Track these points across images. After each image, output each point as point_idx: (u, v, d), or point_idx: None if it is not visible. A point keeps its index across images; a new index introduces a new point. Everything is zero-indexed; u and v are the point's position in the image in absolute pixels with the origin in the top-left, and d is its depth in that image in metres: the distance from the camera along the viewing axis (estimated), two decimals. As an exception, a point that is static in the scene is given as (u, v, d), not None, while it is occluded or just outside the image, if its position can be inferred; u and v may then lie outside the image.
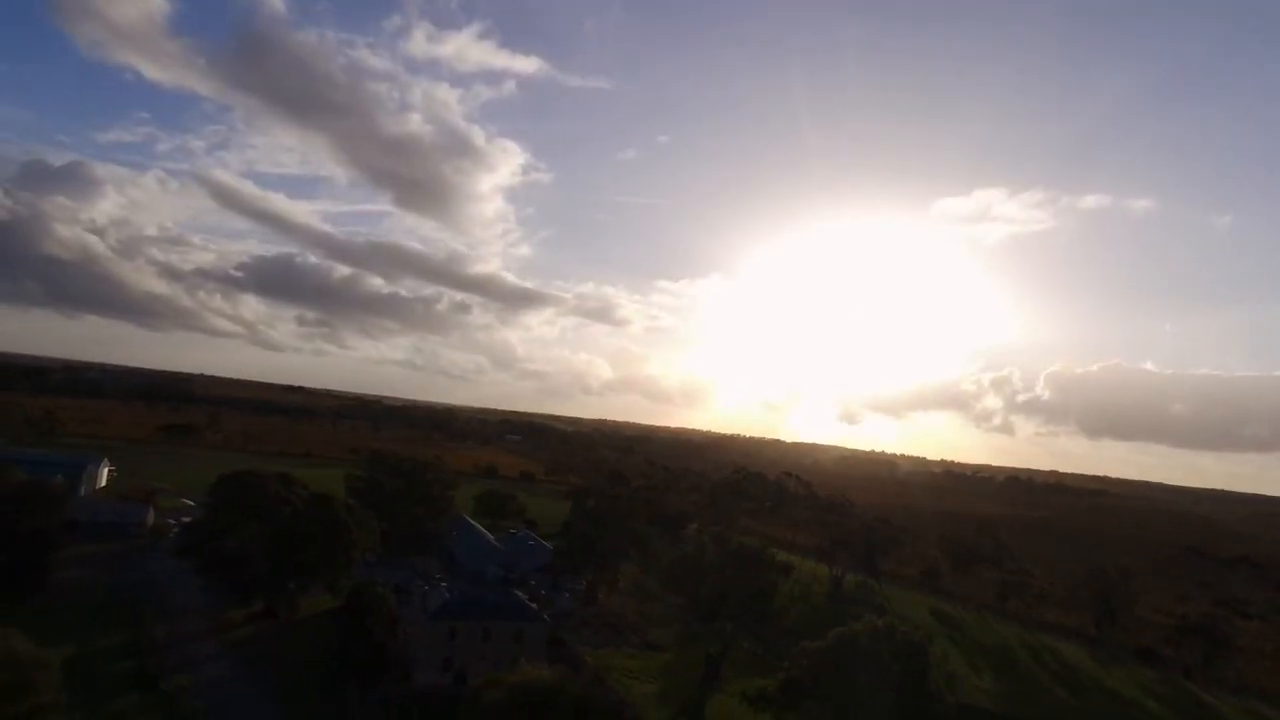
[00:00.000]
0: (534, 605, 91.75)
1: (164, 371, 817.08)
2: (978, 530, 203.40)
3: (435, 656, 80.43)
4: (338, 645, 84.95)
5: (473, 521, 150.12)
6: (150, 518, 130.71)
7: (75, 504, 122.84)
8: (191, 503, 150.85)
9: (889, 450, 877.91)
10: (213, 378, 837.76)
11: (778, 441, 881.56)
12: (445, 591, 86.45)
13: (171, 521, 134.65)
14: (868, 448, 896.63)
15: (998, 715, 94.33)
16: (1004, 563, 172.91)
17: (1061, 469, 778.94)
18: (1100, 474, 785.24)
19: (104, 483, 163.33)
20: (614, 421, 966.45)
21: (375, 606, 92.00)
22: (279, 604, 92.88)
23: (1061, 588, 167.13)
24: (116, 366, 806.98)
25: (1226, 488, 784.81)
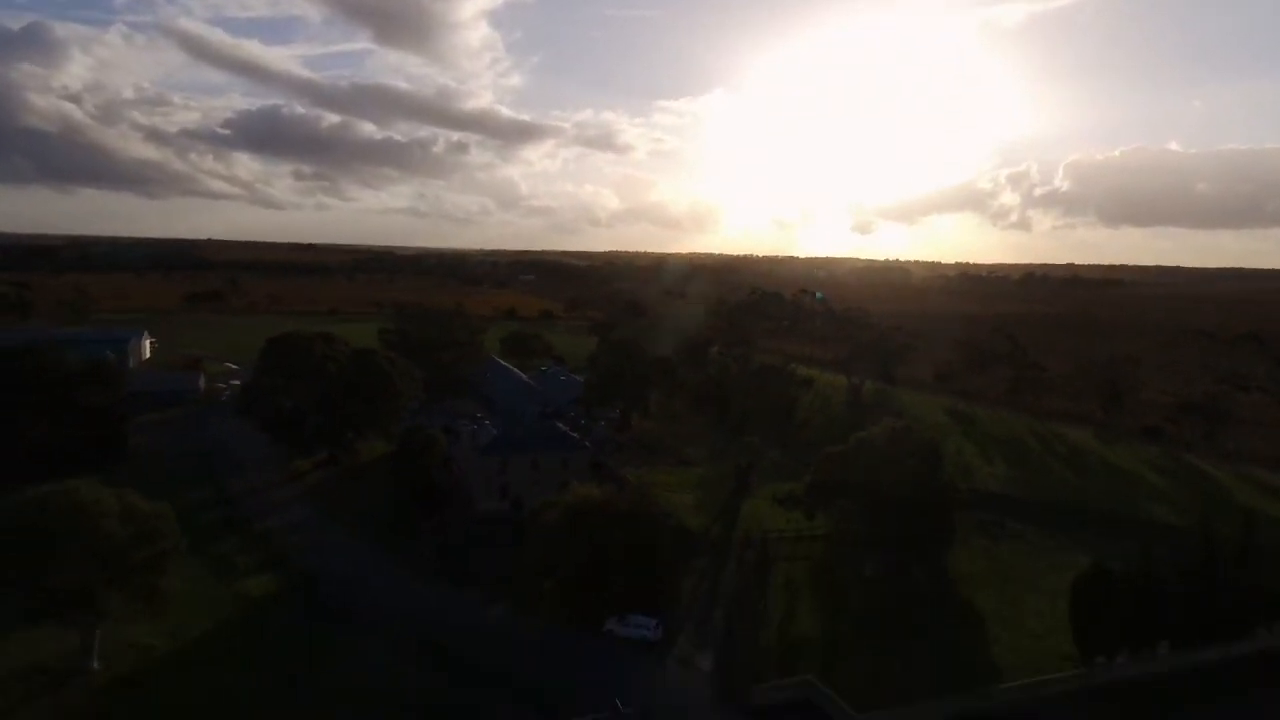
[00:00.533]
0: (574, 435, 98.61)
1: (171, 240, 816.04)
2: (992, 331, 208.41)
3: (491, 487, 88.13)
4: (400, 483, 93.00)
5: (503, 362, 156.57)
6: (201, 384, 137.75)
7: (129, 377, 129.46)
8: (235, 366, 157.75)
9: (903, 258, 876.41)
10: (221, 242, 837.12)
11: (792, 259, 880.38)
12: (492, 429, 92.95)
13: (221, 385, 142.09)
14: (882, 257, 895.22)
15: (1006, 497, 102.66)
16: (1017, 360, 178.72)
17: (1079, 261, 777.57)
18: (1118, 263, 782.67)
19: (148, 355, 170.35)
20: (626, 253, 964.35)
21: (428, 447, 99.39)
22: (340, 452, 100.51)
23: (1072, 378, 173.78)
24: (123, 239, 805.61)
25: (1245, 265, 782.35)
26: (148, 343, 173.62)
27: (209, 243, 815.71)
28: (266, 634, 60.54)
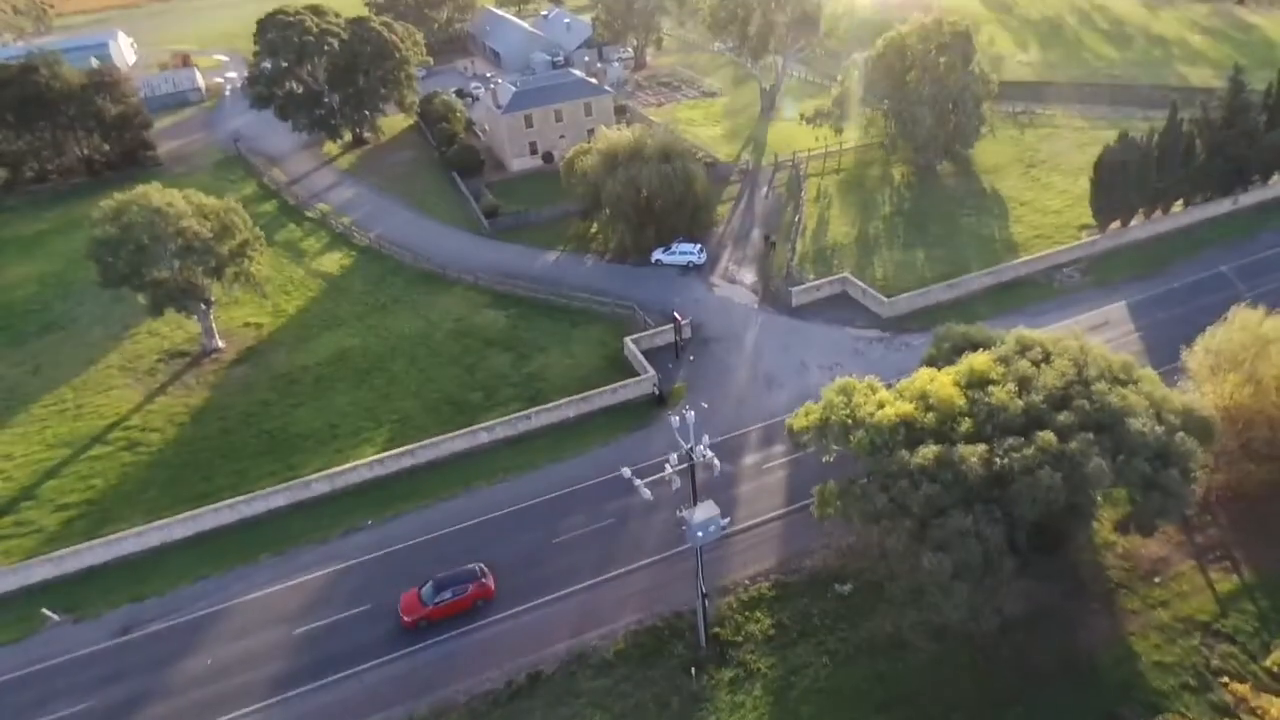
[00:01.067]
0: (592, 80, 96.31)
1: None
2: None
3: (519, 145, 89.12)
4: (431, 152, 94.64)
5: (501, 12, 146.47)
6: (201, 82, 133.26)
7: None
8: (225, 58, 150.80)
9: None
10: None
11: None
12: (509, 86, 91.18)
13: (219, 80, 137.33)
14: None
15: (1038, 84, 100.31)
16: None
17: None
18: None
19: (134, 58, 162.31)
20: None
21: (447, 113, 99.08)
22: (363, 129, 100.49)
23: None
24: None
25: None
26: (129, 44, 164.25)
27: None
28: (353, 300, 67.68)
